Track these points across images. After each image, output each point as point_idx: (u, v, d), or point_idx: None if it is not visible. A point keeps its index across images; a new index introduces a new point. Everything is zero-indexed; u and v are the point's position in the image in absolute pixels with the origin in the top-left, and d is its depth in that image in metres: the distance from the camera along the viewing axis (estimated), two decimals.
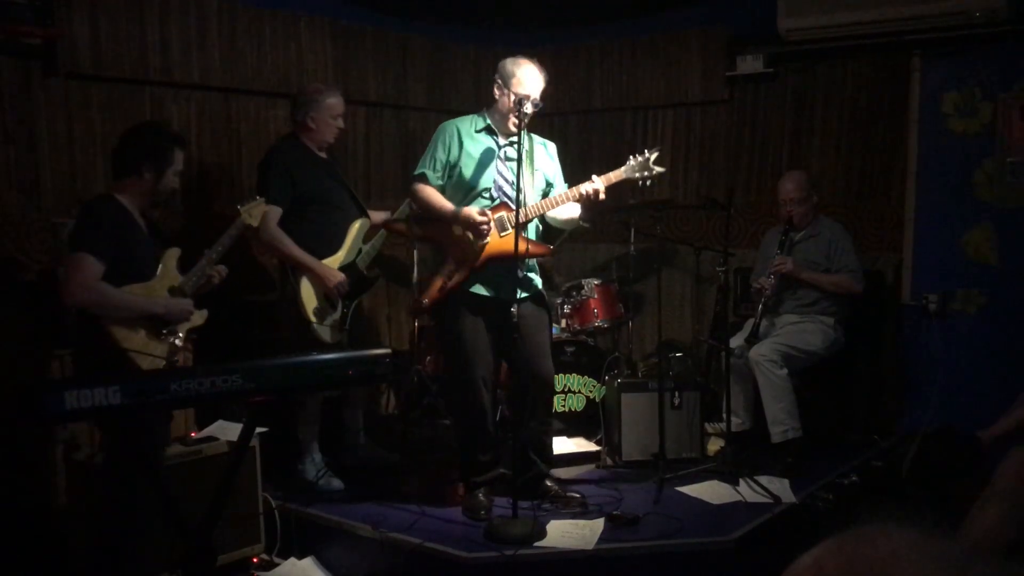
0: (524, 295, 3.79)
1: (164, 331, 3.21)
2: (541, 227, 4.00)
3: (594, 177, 3.67)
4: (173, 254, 3.33)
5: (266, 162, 4.13)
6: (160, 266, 3.27)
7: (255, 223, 3.63)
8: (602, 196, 3.65)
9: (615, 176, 3.74)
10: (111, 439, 3.19)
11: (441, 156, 3.80)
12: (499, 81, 3.79)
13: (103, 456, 3.30)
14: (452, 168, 3.81)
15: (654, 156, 3.75)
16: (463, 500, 3.90)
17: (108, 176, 3.52)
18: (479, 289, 3.78)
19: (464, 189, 3.80)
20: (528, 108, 3.67)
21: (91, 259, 3.02)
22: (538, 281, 3.97)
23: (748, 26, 5.34)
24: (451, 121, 3.89)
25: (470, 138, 3.82)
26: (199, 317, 3.36)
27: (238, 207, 3.59)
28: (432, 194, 3.81)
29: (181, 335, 3.28)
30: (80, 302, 3.05)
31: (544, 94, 3.77)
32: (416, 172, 3.87)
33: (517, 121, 3.62)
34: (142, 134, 3.32)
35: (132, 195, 3.23)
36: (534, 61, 3.78)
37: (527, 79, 3.72)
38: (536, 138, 3.96)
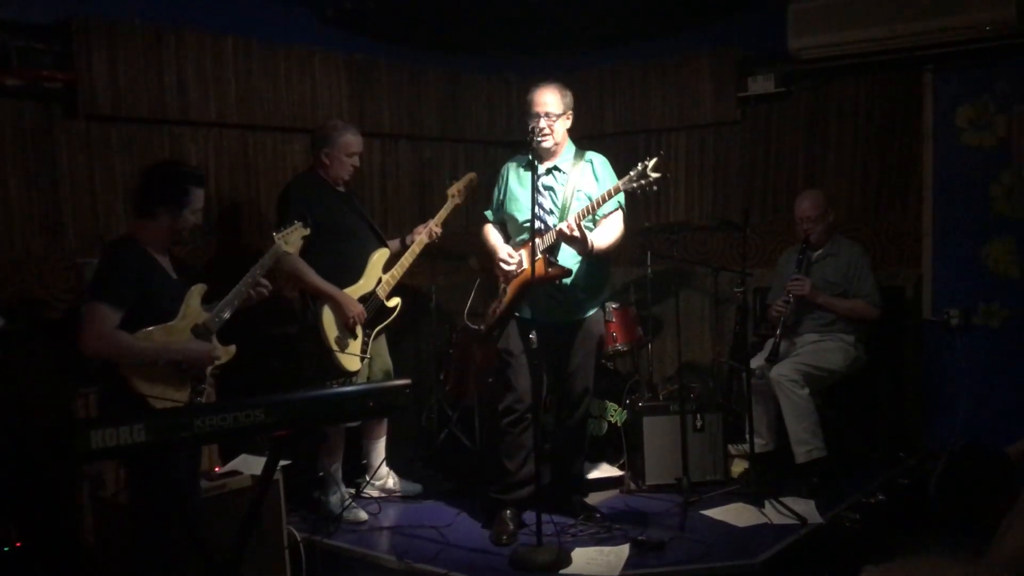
0: (566, 317, 3.94)
1: (187, 375, 3.16)
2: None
3: (569, 217, 3.75)
4: (198, 291, 3.27)
5: (285, 195, 4.18)
6: (184, 305, 3.21)
7: (292, 250, 3.52)
8: (573, 233, 3.67)
9: (615, 190, 3.77)
10: (136, 476, 3.19)
11: (495, 196, 4.14)
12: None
13: (128, 493, 3.30)
14: (502, 205, 4.07)
15: (652, 163, 3.72)
16: (491, 521, 3.92)
17: (129, 215, 3.54)
18: (522, 312, 3.94)
19: (513, 222, 4.02)
20: (536, 123, 3.83)
21: (106, 308, 3.00)
22: (585, 300, 3.99)
23: (759, 46, 5.37)
24: (507, 161, 4.15)
25: (516, 175, 4.04)
26: (225, 354, 3.32)
27: (273, 234, 3.48)
28: (487, 233, 4.15)
29: (207, 375, 3.24)
30: (95, 352, 3.04)
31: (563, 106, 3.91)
32: (485, 213, 4.23)
33: (532, 140, 3.81)
34: (158, 175, 3.27)
35: (151, 235, 3.21)
36: (545, 81, 3.97)
37: (531, 97, 3.90)
38: (586, 155, 4.02)
